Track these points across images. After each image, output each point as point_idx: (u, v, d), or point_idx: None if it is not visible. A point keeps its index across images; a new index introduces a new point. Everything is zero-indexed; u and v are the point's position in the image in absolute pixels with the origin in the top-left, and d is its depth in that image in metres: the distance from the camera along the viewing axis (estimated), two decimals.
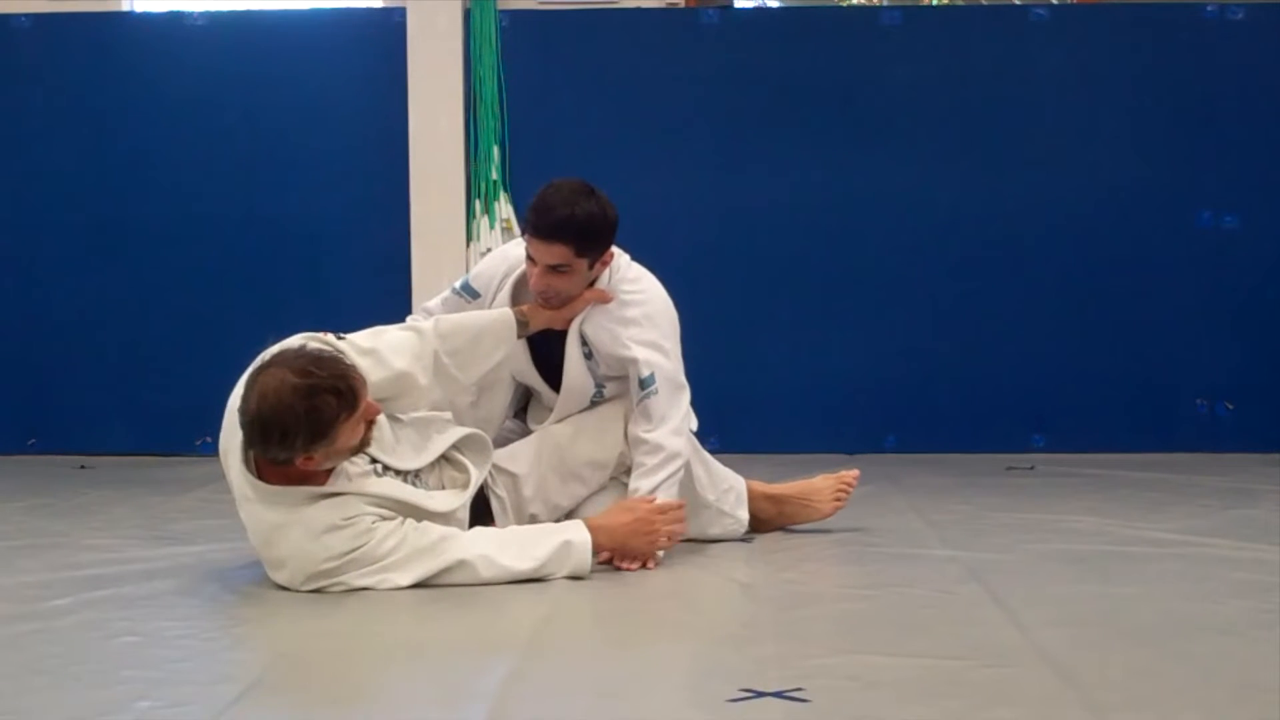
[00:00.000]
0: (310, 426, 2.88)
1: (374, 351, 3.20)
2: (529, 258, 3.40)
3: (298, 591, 2.99)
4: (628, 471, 3.49)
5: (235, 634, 2.74)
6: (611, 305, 3.47)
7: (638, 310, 3.49)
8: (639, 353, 3.44)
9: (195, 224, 5.65)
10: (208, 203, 5.65)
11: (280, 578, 3.04)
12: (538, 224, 3.33)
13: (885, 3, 5.92)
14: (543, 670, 2.45)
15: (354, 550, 2.99)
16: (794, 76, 5.61)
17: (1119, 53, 5.57)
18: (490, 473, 3.40)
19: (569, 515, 3.52)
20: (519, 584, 3.10)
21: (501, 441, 3.57)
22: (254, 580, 3.11)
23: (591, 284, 3.47)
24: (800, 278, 5.63)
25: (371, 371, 3.12)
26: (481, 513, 3.36)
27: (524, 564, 3.10)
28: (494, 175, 5.59)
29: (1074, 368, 5.58)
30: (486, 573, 3.07)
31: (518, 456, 3.48)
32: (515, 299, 3.51)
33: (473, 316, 3.42)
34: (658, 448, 3.40)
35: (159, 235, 5.66)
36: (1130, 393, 5.56)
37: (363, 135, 5.67)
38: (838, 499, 3.76)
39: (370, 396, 3.02)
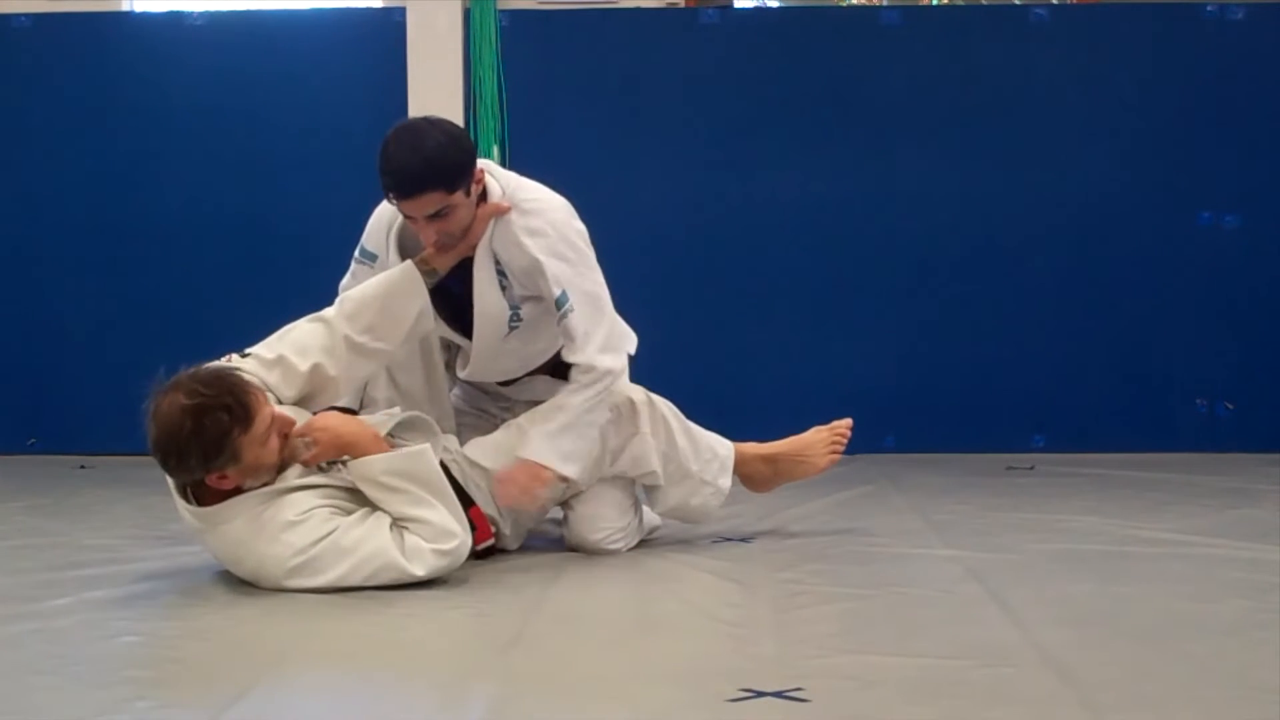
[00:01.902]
0: (203, 446, 2.93)
1: (280, 360, 3.22)
2: (408, 216, 3.29)
3: (297, 592, 2.99)
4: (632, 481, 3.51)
5: (235, 634, 2.74)
6: (512, 215, 3.33)
7: (540, 220, 3.34)
8: (548, 263, 3.30)
9: (195, 223, 5.65)
10: (208, 202, 5.65)
11: (266, 586, 3.05)
12: (397, 186, 3.20)
13: (885, 3, 5.91)
14: (541, 669, 2.45)
15: (318, 542, 3.00)
16: (794, 76, 5.61)
17: (1119, 53, 5.57)
18: (463, 467, 3.37)
19: (564, 512, 3.52)
20: (517, 584, 3.10)
21: (470, 428, 3.54)
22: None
23: (482, 201, 3.34)
24: (800, 277, 5.63)
25: (282, 383, 3.19)
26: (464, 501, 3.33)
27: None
28: None
29: (1074, 368, 5.58)
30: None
31: (485, 450, 3.42)
32: (402, 251, 3.41)
33: (374, 285, 3.32)
34: (589, 368, 3.31)
35: (159, 235, 5.66)
36: (1130, 393, 5.56)
37: (363, 135, 5.63)
38: (833, 451, 3.73)
39: (290, 402, 3.12)
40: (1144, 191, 5.55)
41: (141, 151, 5.66)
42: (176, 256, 5.65)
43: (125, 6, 5.94)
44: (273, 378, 3.19)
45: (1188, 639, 2.57)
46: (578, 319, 3.32)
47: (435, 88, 5.59)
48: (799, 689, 2.22)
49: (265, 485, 3.06)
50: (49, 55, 5.66)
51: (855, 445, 5.50)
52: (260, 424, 2.98)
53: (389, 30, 5.62)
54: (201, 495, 3.07)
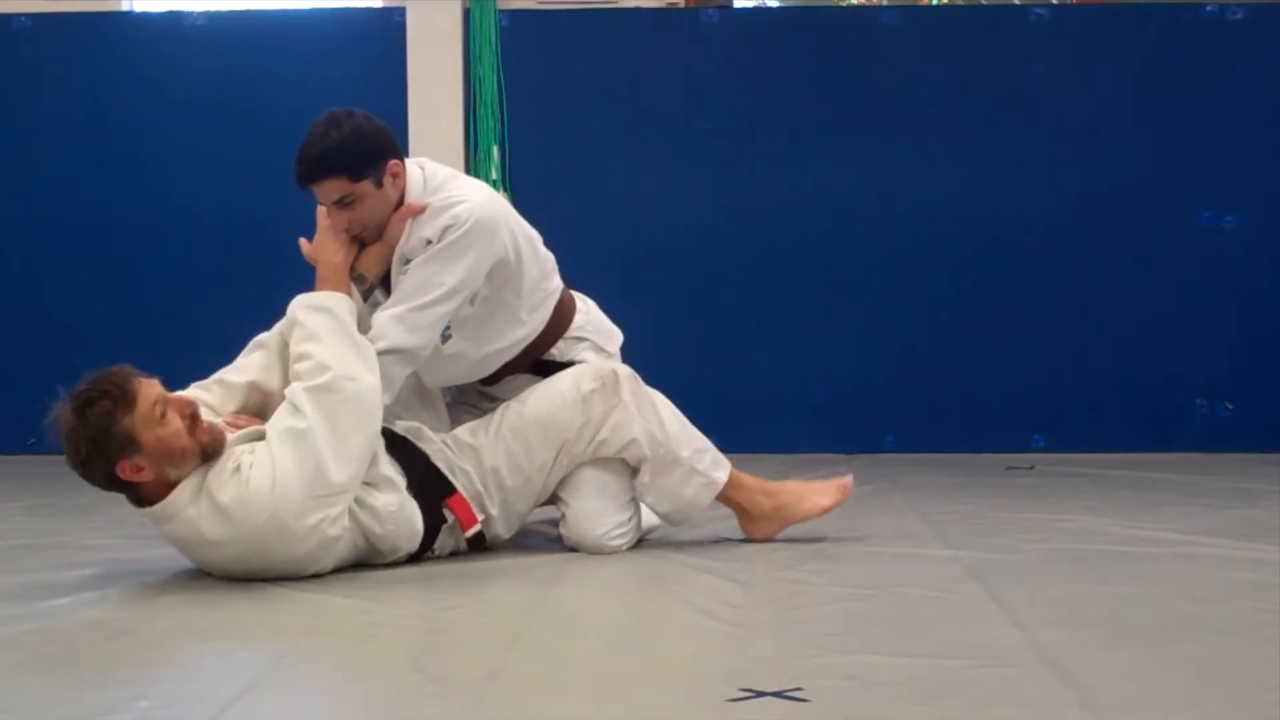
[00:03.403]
0: (93, 436, 2.98)
1: (220, 380, 3.36)
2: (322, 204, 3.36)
3: (294, 586, 3.00)
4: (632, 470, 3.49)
5: (235, 634, 2.74)
6: (424, 216, 3.35)
7: (449, 218, 3.33)
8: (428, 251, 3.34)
9: (195, 224, 5.66)
10: (208, 202, 5.65)
11: (239, 567, 3.08)
12: (299, 173, 3.31)
13: (885, 3, 5.91)
14: (540, 669, 2.45)
15: (272, 463, 3.04)
16: (794, 76, 5.61)
17: (1119, 53, 5.58)
18: (450, 446, 3.38)
19: (551, 497, 3.53)
20: (517, 584, 3.10)
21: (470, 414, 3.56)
22: (254, 580, 3.11)
23: (401, 204, 3.37)
24: (800, 277, 5.63)
25: (223, 400, 3.32)
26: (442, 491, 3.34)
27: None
28: (494, 175, 5.59)
29: (1074, 368, 5.58)
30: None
31: (477, 430, 3.43)
32: None
33: (372, 369, 3.27)
34: (379, 330, 3.29)
35: (159, 235, 5.66)
36: (1130, 393, 5.57)
37: None
38: (839, 490, 3.60)
39: (238, 412, 3.26)
40: (1144, 191, 5.55)
41: (141, 151, 5.67)
42: (176, 256, 5.66)
43: (125, 6, 5.94)
44: (211, 397, 3.30)
45: (1188, 639, 2.57)
46: (398, 293, 3.35)
47: (435, 88, 5.59)
48: (799, 689, 2.22)
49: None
50: (49, 55, 5.67)
51: (855, 445, 5.56)
52: (145, 402, 3.00)
53: (389, 30, 5.62)
54: (141, 497, 3.10)
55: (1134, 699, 2.20)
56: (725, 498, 3.55)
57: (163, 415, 3.01)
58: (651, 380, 3.61)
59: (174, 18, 5.78)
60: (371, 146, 3.32)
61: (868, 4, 5.94)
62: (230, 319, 5.57)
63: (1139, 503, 4.22)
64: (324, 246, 3.41)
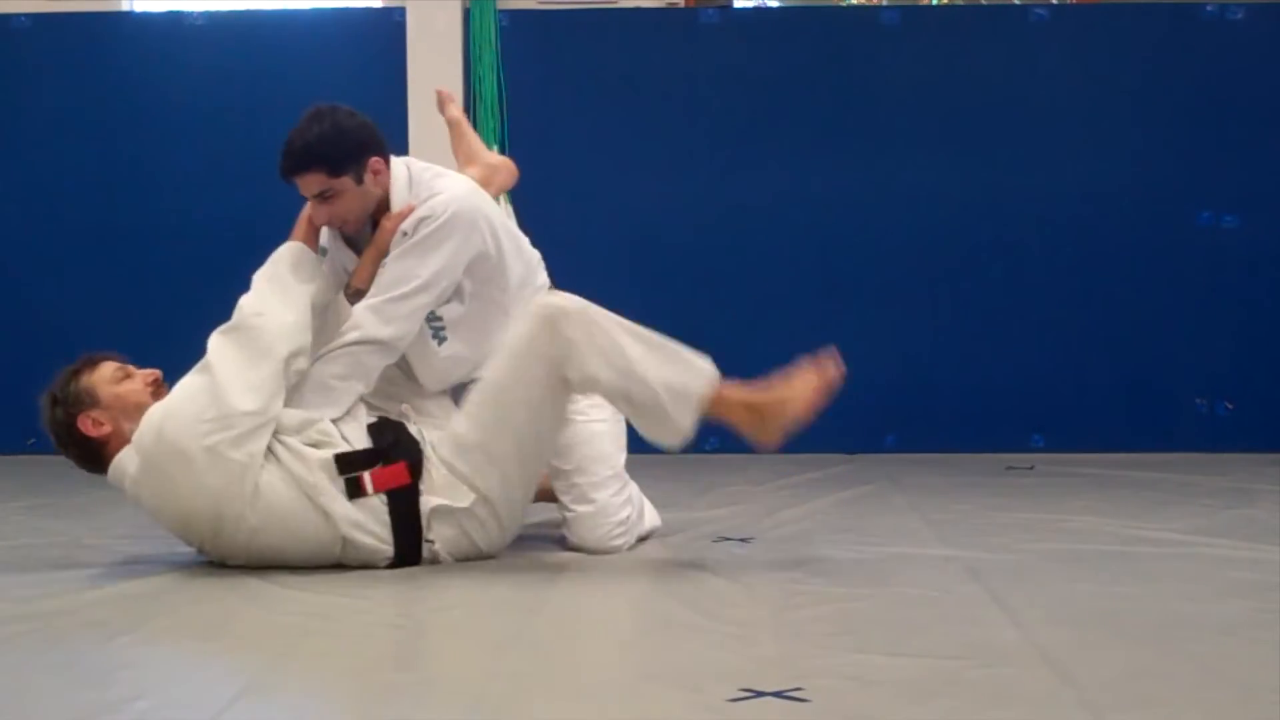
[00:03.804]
0: (55, 394, 3.25)
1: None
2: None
3: (292, 586, 3.00)
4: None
5: (235, 634, 2.74)
6: (406, 221, 3.38)
7: (428, 211, 3.36)
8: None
9: (195, 224, 5.66)
10: (208, 203, 5.65)
11: (167, 510, 3.14)
12: (282, 166, 3.36)
13: (885, 3, 5.91)
14: (541, 669, 2.45)
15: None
16: (794, 76, 5.61)
17: (1119, 53, 5.58)
18: (430, 443, 3.31)
19: (552, 498, 3.54)
20: (517, 584, 3.10)
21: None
22: (254, 580, 3.11)
23: (385, 206, 3.41)
24: (800, 277, 5.63)
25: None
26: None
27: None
28: None
29: (1074, 368, 5.58)
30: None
31: (455, 417, 3.37)
32: (349, 244, 3.51)
33: (291, 308, 3.33)
34: (353, 325, 3.32)
35: (159, 235, 5.66)
36: (1130, 393, 5.57)
37: None
38: (822, 379, 3.31)
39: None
40: (1144, 191, 5.55)
41: (141, 151, 5.67)
42: (176, 256, 5.66)
43: (125, 6, 5.94)
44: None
45: (1188, 639, 2.57)
46: (376, 285, 3.38)
47: (435, 88, 5.58)
48: (799, 689, 2.22)
49: None
50: (49, 55, 5.67)
51: (855, 445, 5.56)
52: (107, 367, 3.26)
53: (389, 30, 5.62)
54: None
55: (1134, 699, 2.20)
56: (712, 415, 3.26)
57: (124, 377, 3.24)
58: None
59: (174, 18, 5.78)
60: (351, 142, 3.36)
61: (868, 4, 5.94)
62: (230, 318, 5.60)
63: (1139, 503, 4.22)
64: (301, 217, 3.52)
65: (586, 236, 5.40)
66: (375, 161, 3.39)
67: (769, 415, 3.26)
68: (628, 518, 3.52)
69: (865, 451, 5.46)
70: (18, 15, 5.66)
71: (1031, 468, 5.10)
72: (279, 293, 3.33)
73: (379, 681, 2.40)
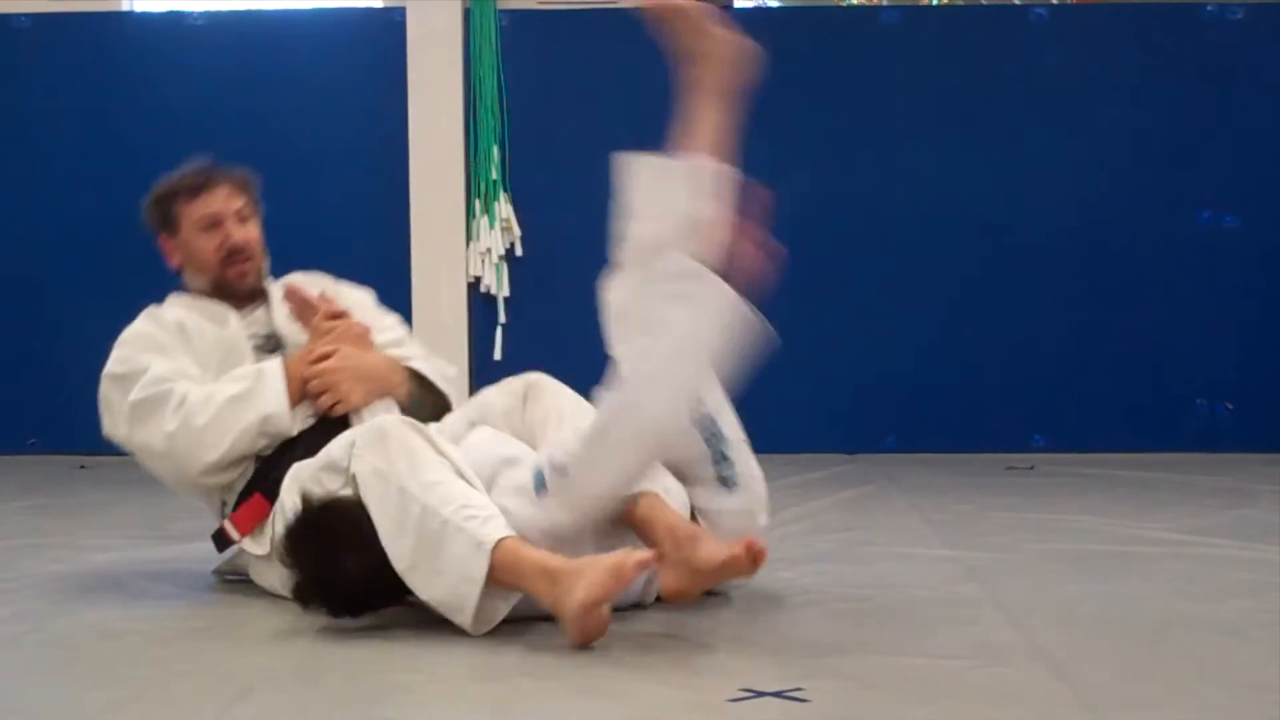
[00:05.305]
0: (156, 195, 3.44)
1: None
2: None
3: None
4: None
5: (235, 634, 2.74)
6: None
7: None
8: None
9: None
10: None
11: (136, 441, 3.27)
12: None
13: (885, 3, 5.91)
14: (540, 669, 2.45)
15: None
16: (794, 76, 5.61)
17: (1119, 53, 5.58)
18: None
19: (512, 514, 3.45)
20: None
21: None
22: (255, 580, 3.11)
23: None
24: (799, 277, 5.59)
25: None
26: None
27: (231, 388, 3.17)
28: (494, 175, 5.59)
29: (1074, 368, 5.58)
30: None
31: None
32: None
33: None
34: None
35: None
36: (1130, 393, 5.57)
37: (363, 135, 5.67)
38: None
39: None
40: (1144, 191, 5.55)
41: (141, 151, 5.65)
42: None
43: (125, 6, 5.94)
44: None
45: (1188, 639, 2.57)
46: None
47: (435, 88, 5.59)
48: (799, 689, 2.22)
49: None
50: (49, 55, 5.67)
51: (855, 445, 5.56)
52: (204, 208, 3.38)
53: (389, 30, 5.62)
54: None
55: (1134, 699, 2.20)
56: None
57: (207, 229, 3.33)
58: None
59: (174, 18, 5.78)
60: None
61: (868, 4, 5.94)
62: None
63: (1139, 503, 4.22)
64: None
65: (586, 236, 5.39)
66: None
67: (562, 583, 2.54)
68: None
69: (865, 451, 5.46)
70: (18, 15, 5.66)
71: (1032, 468, 5.10)
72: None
73: (379, 682, 2.40)
